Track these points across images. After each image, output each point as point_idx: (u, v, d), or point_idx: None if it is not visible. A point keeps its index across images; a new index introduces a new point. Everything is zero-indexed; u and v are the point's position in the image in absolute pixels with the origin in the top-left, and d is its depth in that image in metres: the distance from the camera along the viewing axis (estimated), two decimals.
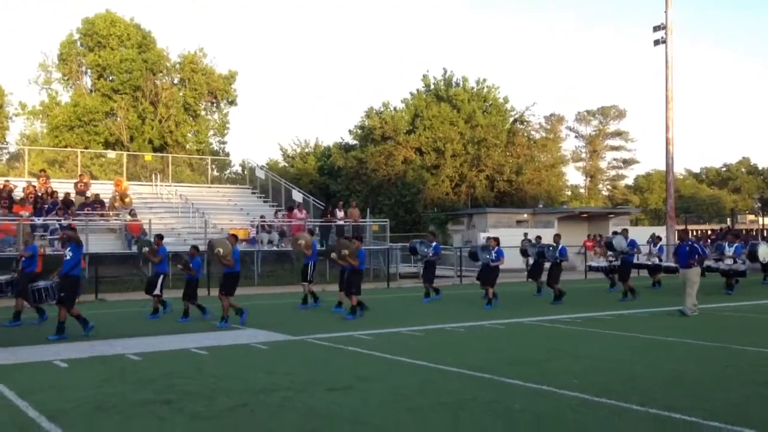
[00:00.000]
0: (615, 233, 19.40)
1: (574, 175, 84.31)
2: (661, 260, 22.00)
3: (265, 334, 12.01)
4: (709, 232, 47.51)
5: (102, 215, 24.92)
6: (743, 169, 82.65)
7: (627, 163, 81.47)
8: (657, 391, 7.42)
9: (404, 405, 6.86)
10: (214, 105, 47.37)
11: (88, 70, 44.33)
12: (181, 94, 44.30)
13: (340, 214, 27.95)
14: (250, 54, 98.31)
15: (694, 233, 50.86)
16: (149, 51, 44.06)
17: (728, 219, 56.57)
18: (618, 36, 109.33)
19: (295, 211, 27.53)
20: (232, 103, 47.56)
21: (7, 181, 24.61)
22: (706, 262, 21.25)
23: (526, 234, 20.12)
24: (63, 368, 8.99)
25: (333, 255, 15.13)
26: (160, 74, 44.54)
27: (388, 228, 28.59)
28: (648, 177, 79.10)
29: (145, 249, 15.48)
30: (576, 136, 79.90)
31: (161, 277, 14.99)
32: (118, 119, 42.37)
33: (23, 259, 13.78)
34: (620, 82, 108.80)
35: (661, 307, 16.08)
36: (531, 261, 21.80)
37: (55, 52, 44.48)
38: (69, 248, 11.90)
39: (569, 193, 68.51)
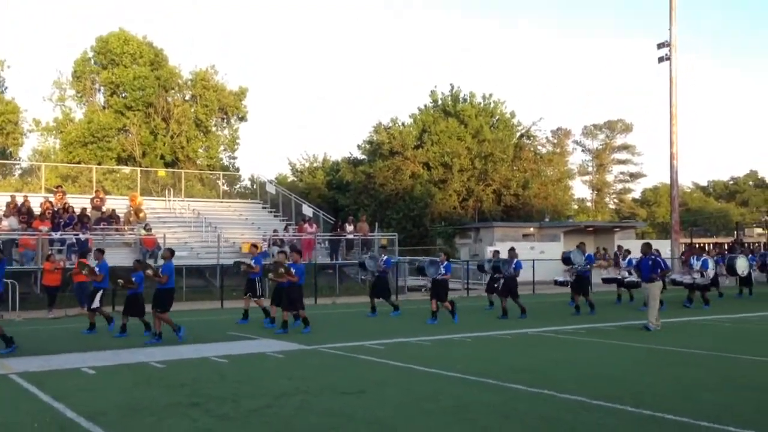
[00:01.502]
0: (576, 247, 19.20)
1: (580, 189, 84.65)
2: (630, 273, 21.84)
3: (279, 344, 12.53)
4: (712, 246, 47.77)
5: (117, 230, 25.53)
6: (751, 183, 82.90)
7: (634, 176, 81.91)
8: (650, 394, 7.92)
9: (416, 407, 7.38)
10: (225, 121, 48.11)
11: (102, 88, 45.14)
12: (192, 110, 45.03)
13: (349, 228, 28.49)
14: (260, 70, 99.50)
15: (698, 245, 51.18)
16: (161, 68, 44.88)
17: (735, 232, 56.75)
18: (625, 50, 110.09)
19: (306, 225, 28.08)
20: (242, 119, 48.31)
21: (26, 196, 25.27)
22: (674, 276, 21.69)
23: (496, 252, 19.95)
24: (92, 375, 9.54)
25: (270, 275, 14.98)
26: (172, 91, 45.33)
27: (397, 242, 29.10)
28: (655, 190, 79.39)
29: (148, 272, 14.13)
30: (583, 150, 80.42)
31: (100, 291, 14.79)
32: (131, 135, 43.13)
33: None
34: (627, 96, 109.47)
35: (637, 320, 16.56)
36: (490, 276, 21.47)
37: (70, 69, 45.38)
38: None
39: (576, 206, 68.91)
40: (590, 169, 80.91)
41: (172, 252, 14.13)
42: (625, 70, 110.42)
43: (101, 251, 15.59)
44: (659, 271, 14.47)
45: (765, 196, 78.57)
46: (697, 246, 44.64)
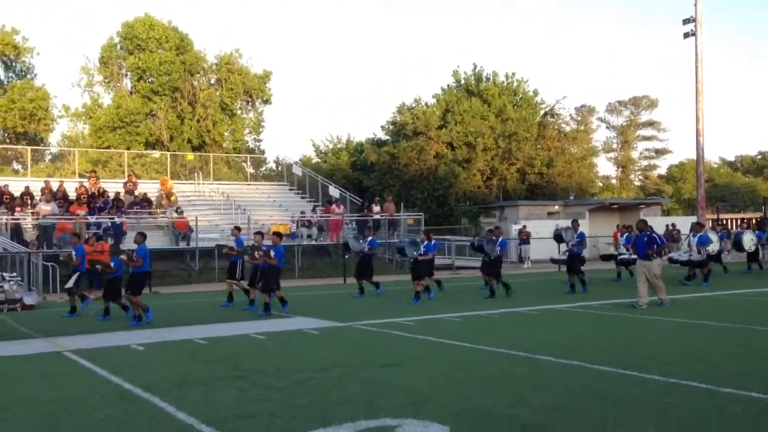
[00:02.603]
0: (569, 226, 18.71)
1: (605, 166, 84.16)
2: (627, 251, 21.47)
3: (313, 321, 12.98)
4: (741, 221, 47.47)
5: (150, 213, 26.17)
6: None
7: (659, 153, 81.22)
8: (676, 364, 8.24)
9: (449, 378, 7.77)
10: (250, 104, 48.57)
11: (129, 73, 45.77)
12: (218, 94, 45.52)
13: (376, 208, 28.89)
14: (284, 53, 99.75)
15: (724, 222, 50.86)
16: (187, 53, 45.35)
17: (762, 207, 56.16)
18: (650, 25, 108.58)
19: (333, 206, 28.51)
20: (266, 101, 48.69)
21: (62, 181, 25.97)
22: (672, 254, 21.58)
23: (489, 230, 19.76)
24: (141, 351, 10.06)
25: (247, 257, 15.02)
26: (198, 75, 45.83)
27: (423, 222, 29.44)
28: (681, 166, 78.63)
29: (122, 257, 13.98)
30: (607, 127, 79.82)
31: (77, 274, 15.08)
32: (158, 120, 43.78)
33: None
34: (652, 71, 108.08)
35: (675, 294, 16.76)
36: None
37: (97, 55, 46.00)
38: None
39: (600, 184, 68.59)
40: (615, 146, 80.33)
41: (144, 236, 14.10)
42: (650, 46, 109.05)
43: (77, 235, 15.87)
44: (655, 247, 14.20)
45: None
46: (716, 221, 44.39)
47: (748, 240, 22.66)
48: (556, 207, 36.97)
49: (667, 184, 77.65)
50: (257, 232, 16.10)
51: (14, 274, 17.23)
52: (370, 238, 18.45)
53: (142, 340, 10.89)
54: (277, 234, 15.23)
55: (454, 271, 27.54)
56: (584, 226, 33.33)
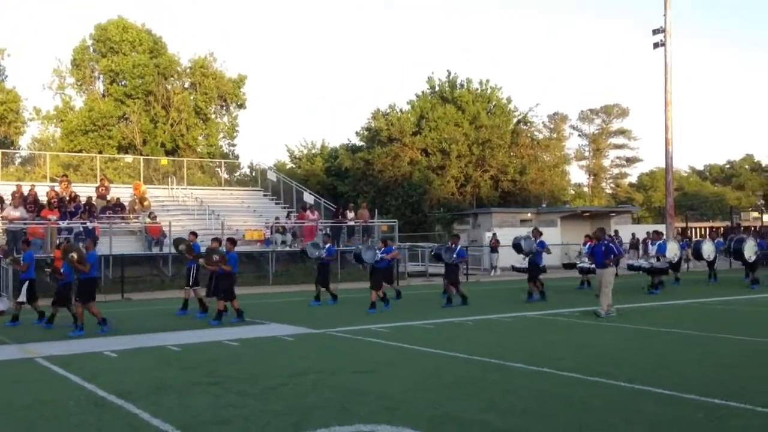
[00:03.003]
0: (528, 235, 18.74)
1: (577, 174, 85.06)
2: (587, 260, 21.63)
3: (288, 328, 13.03)
4: (708, 230, 48.37)
5: (122, 218, 25.96)
6: (747, 166, 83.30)
7: (630, 161, 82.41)
8: (642, 371, 8.45)
9: (422, 384, 7.90)
10: (224, 108, 48.41)
11: (101, 76, 45.36)
12: (192, 98, 45.33)
13: (350, 215, 28.97)
14: (259, 57, 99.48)
15: (695, 231, 51.80)
16: (161, 56, 45.11)
17: (730, 216, 57.24)
18: (621, 34, 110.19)
19: (307, 212, 28.53)
20: (241, 106, 48.55)
21: (33, 185, 25.67)
22: (631, 261, 21.93)
23: (456, 236, 19.89)
24: (114, 357, 10.05)
25: (201, 261, 14.87)
26: (172, 79, 45.58)
27: (397, 228, 29.58)
28: (651, 175, 79.82)
29: (72, 255, 13.11)
30: (579, 135, 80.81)
31: (26, 283, 14.40)
32: (131, 123, 43.45)
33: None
34: (624, 80, 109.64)
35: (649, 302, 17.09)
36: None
37: (69, 57, 45.56)
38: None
39: (573, 191, 69.36)
40: (587, 153, 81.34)
41: (95, 241, 13.89)
42: (621, 54, 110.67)
43: (27, 242, 15.25)
44: (612, 256, 14.31)
45: (761, 180, 79.09)
46: (685, 230, 45.24)
47: (708, 249, 23.14)
48: (529, 214, 37.32)
49: (638, 192, 78.78)
50: (214, 239, 15.88)
51: None
52: (328, 245, 18.15)
53: (115, 347, 10.87)
54: (231, 240, 15.00)
55: (428, 278, 27.70)
56: (555, 234, 33.89)
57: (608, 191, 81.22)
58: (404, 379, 8.23)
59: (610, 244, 14.53)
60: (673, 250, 20.93)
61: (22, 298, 14.36)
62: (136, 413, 6.67)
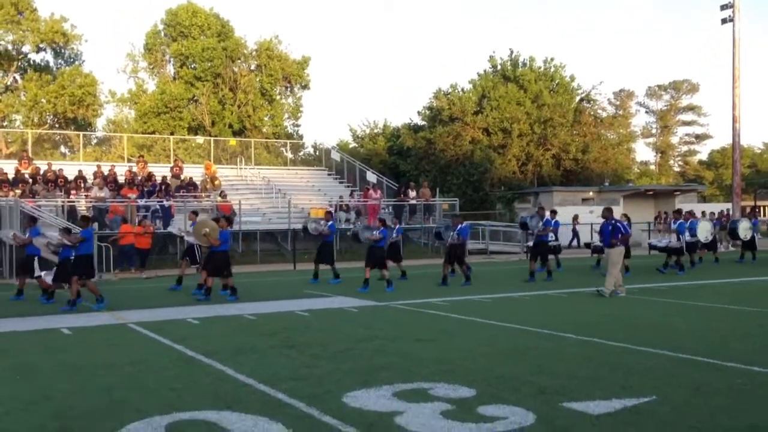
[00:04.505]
0: (534, 214, 18.77)
1: (644, 152, 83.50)
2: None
3: (353, 301, 13.85)
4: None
5: (195, 197, 27.28)
6: None
7: (700, 138, 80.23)
8: (688, 342, 8.92)
9: (478, 351, 8.56)
10: (288, 89, 49.58)
11: (172, 59, 47.08)
12: (258, 79, 46.58)
13: (412, 193, 29.64)
14: (323, 38, 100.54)
15: (765, 210, 50.47)
16: (228, 39, 46.45)
17: None
18: (691, 8, 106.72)
19: (371, 191, 29.32)
20: (305, 87, 49.65)
21: (113, 166, 27.23)
22: (651, 241, 21.50)
23: (454, 215, 19.58)
24: (196, 324, 11.04)
25: (189, 237, 15.01)
26: (239, 61, 46.92)
27: (458, 207, 30.11)
28: (723, 152, 77.56)
29: (206, 230, 14.35)
30: (646, 112, 79.13)
31: (36, 258, 14.44)
32: (201, 105, 45.03)
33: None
34: (693, 56, 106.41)
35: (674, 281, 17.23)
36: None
37: (142, 42, 47.45)
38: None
39: (638, 169, 68.23)
40: (654, 131, 79.62)
41: (88, 219, 14.05)
42: (690, 29, 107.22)
43: (34, 219, 15.30)
44: (619, 236, 14.23)
45: None
46: (754, 209, 44.12)
47: (744, 228, 22.51)
48: (591, 193, 37.26)
49: (708, 170, 76.79)
50: (192, 211, 16.61)
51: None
52: (330, 222, 18.05)
53: (197, 315, 11.89)
54: (226, 218, 15.26)
55: (488, 256, 28.22)
56: (618, 213, 33.71)
57: (676, 169, 79.43)
58: (462, 346, 8.90)
59: (618, 224, 14.47)
60: (705, 230, 20.46)
61: (38, 272, 14.26)
62: (222, 369, 7.55)
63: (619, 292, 14.15)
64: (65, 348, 9.14)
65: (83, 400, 6.38)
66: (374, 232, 16.35)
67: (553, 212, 19.48)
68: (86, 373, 7.52)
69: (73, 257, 13.15)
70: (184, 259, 17.19)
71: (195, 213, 17.42)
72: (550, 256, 18.51)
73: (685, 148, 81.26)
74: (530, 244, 19.18)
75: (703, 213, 25.58)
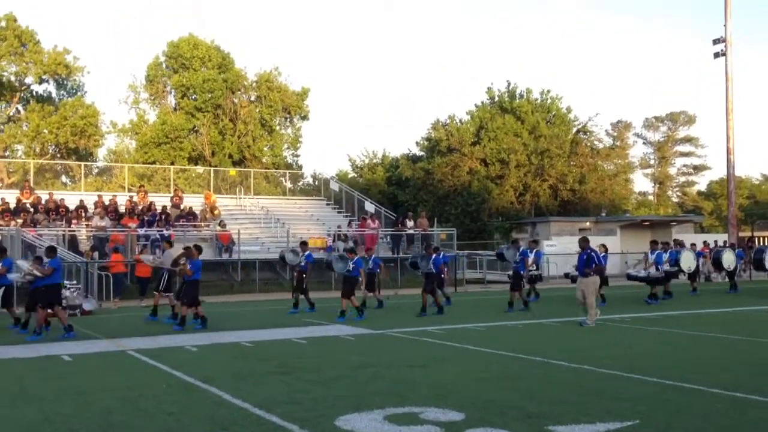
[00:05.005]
0: (510, 245, 19.23)
1: (642, 182, 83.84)
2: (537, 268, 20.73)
3: (349, 329, 14.03)
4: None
5: (195, 226, 27.55)
6: None
7: (698, 169, 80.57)
8: (676, 369, 9.12)
9: (470, 376, 8.76)
10: (288, 120, 50.15)
11: (173, 90, 47.73)
12: (257, 110, 47.17)
13: (410, 223, 29.91)
14: (322, 69, 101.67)
15: (762, 240, 50.65)
16: (228, 71, 47.12)
17: None
18: (687, 40, 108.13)
19: (368, 221, 29.60)
20: (304, 118, 50.21)
21: (115, 196, 27.55)
22: (629, 271, 21.32)
23: (429, 246, 19.74)
24: (195, 351, 11.22)
25: (155, 264, 15.39)
26: (239, 92, 47.57)
27: (455, 237, 30.36)
28: (721, 182, 77.75)
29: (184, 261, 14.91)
30: (644, 143, 79.66)
31: (2, 289, 14.45)
32: (201, 135, 45.54)
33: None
34: (690, 87, 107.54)
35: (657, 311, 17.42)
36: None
37: (143, 74, 48.11)
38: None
39: (637, 200, 68.51)
40: (652, 161, 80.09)
41: (54, 249, 14.02)
42: (686, 62, 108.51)
43: (53, 249, 14.47)
44: (593, 266, 14.28)
45: None
46: (750, 239, 44.31)
47: (728, 258, 22.75)
48: (587, 223, 37.53)
49: (707, 201, 77.07)
50: (166, 240, 16.82)
51: (74, 281, 18.62)
52: (307, 252, 17.97)
53: (195, 342, 12.06)
54: (197, 247, 15.42)
55: (485, 285, 28.40)
56: (615, 243, 34.02)
57: (674, 200, 79.73)
58: (454, 372, 9.09)
59: (592, 254, 14.56)
60: (688, 261, 20.62)
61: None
62: (220, 395, 7.73)
63: (589, 322, 14.10)
64: (65, 374, 9.33)
65: (83, 424, 6.56)
66: (349, 263, 16.39)
67: (534, 242, 19.67)
68: (86, 397, 7.71)
69: (42, 286, 13.10)
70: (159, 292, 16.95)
71: (169, 243, 17.41)
72: (526, 286, 18.75)
73: (683, 179, 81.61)
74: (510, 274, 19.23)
75: (693, 244, 25.72)
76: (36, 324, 12.97)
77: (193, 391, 8.01)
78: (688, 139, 78.73)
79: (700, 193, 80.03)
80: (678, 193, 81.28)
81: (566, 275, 22.52)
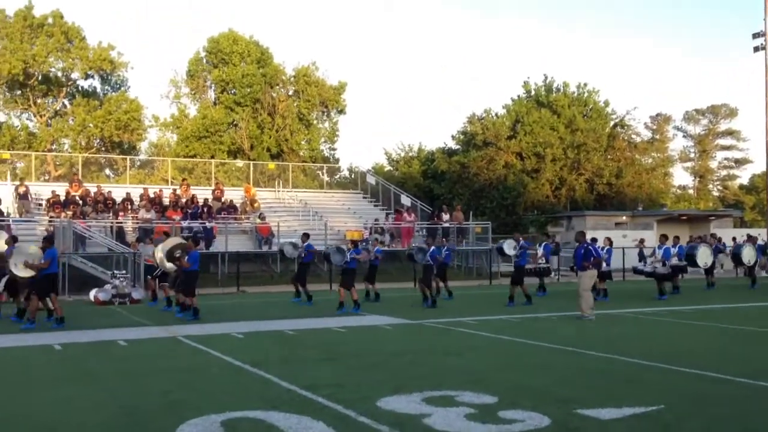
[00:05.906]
0: (511, 240, 19.13)
1: (682, 176, 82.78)
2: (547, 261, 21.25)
3: (387, 319, 14.52)
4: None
5: (235, 218, 28.31)
6: None
7: (739, 162, 79.18)
8: (702, 359, 9.45)
9: (504, 364, 9.20)
10: (325, 114, 50.79)
11: (213, 85, 48.69)
12: (295, 105, 47.88)
13: (445, 216, 30.28)
14: (359, 63, 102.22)
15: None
16: (267, 66, 47.90)
17: None
18: (729, 33, 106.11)
19: (405, 214, 30.04)
20: (341, 111, 50.78)
21: (161, 189, 28.44)
22: (635, 266, 20.76)
23: (432, 237, 19.99)
24: (241, 338, 11.84)
25: (160, 256, 15.55)
26: (277, 87, 48.35)
27: (490, 230, 30.66)
28: (764, 176, 76.34)
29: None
30: (684, 136, 78.62)
31: (5, 279, 14.82)
32: (240, 129, 46.43)
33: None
34: (732, 80, 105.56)
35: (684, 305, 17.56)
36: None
37: (184, 69, 49.14)
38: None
39: (675, 194, 67.73)
40: (692, 155, 79.00)
41: (51, 240, 14.20)
42: (730, 54, 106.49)
43: (50, 240, 14.46)
44: (591, 259, 14.34)
45: None
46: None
47: (747, 254, 22.39)
48: (624, 217, 37.49)
49: (749, 195, 75.79)
50: (164, 232, 17.23)
51: (123, 271, 19.45)
52: (306, 244, 18.31)
53: (241, 330, 12.69)
54: (194, 239, 15.77)
55: None
56: (652, 237, 33.91)
57: (715, 194, 78.59)
58: (488, 360, 9.54)
59: (590, 247, 14.65)
60: (704, 256, 20.45)
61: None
62: (268, 377, 8.29)
63: (589, 316, 14.16)
64: (124, 358, 10.00)
65: (145, 401, 7.17)
66: (348, 256, 16.55)
67: (546, 235, 19.69)
68: (144, 378, 8.34)
69: (41, 276, 13.34)
70: (153, 278, 17.80)
71: (166, 234, 18.07)
72: (527, 280, 18.73)
73: (724, 172, 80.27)
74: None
75: (713, 236, 25.53)
76: (29, 313, 13.26)
77: (243, 374, 8.59)
78: (729, 132, 77.44)
79: (741, 186, 78.71)
80: (719, 187, 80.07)
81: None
